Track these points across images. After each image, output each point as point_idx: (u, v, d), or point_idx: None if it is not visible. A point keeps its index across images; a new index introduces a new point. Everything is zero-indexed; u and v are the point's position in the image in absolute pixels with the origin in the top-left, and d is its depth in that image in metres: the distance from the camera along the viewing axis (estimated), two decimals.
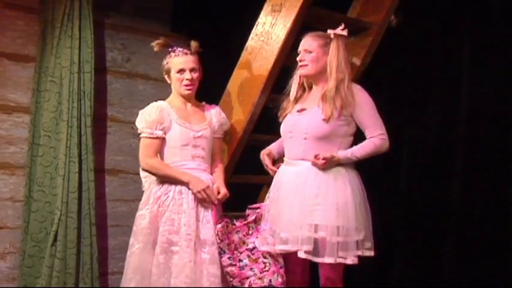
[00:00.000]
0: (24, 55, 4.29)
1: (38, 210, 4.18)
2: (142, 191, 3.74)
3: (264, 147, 3.66)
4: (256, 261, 3.45)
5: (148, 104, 3.67)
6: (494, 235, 3.93)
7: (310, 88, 3.48)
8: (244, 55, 3.90)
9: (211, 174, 3.69)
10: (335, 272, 3.27)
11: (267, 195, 3.53)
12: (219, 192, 3.59)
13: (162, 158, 3.63)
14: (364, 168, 3.44)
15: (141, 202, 3.65)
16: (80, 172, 4.25)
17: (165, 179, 3.58)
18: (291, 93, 3.47)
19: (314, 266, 3.35)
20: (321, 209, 3.18)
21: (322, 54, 3.36)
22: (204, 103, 3.80)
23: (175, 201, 3.55)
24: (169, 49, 3.67)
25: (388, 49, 4.20)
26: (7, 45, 4.23)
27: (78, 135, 4.26)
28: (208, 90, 3.86)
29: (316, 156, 3.22)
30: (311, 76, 3.41)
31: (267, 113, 3.77)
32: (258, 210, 3.52)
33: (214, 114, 3.75)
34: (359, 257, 3.24)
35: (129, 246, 3.59)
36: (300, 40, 3.48)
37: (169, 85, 3.74)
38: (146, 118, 3.59)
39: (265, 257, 3.45)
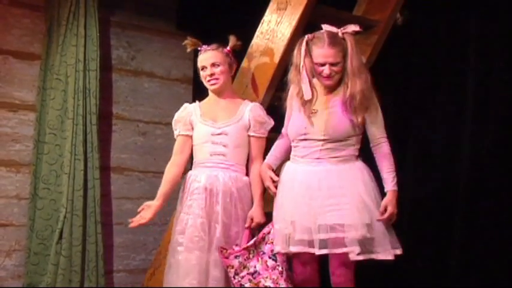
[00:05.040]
0: (30, 53, 4.30)
1: (43, 208, 4.19)
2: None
3: (268, 146, 3.62)
4: (257, 285, 3.38)
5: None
6: (498, 234, 3.92)
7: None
8: (249, 53, 3.89)
9: (248, 176, 3.57)
10: (348, 267, 3.21)
11: (277, 194, 3.39)
12: (252, 220, 3.47)
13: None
14: (368, 165, 3.42)
15: None
16: (85, 170, 4.27)
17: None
18: (305, 94, 3.29)
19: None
20: (349, 208, 3.14)
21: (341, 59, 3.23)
22: (246, 100, 3.65)
23: (186, 202, 3.52)
24: (199, 49, 3.62)
25: (394, 47, 4.19)
26: (13, 43, 4.24)
27: (84, 133, 4.27)
28: None
29: (382, 214, 3.20)
30: (335, 85, 3.29)
31: (273, 112, 3.75)
32: (265, 231, 3.42)
33: (249, 110, 3.56)
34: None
35: None
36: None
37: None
38: (174, 118, 3.63)
39: (265, 280, 3.37)
